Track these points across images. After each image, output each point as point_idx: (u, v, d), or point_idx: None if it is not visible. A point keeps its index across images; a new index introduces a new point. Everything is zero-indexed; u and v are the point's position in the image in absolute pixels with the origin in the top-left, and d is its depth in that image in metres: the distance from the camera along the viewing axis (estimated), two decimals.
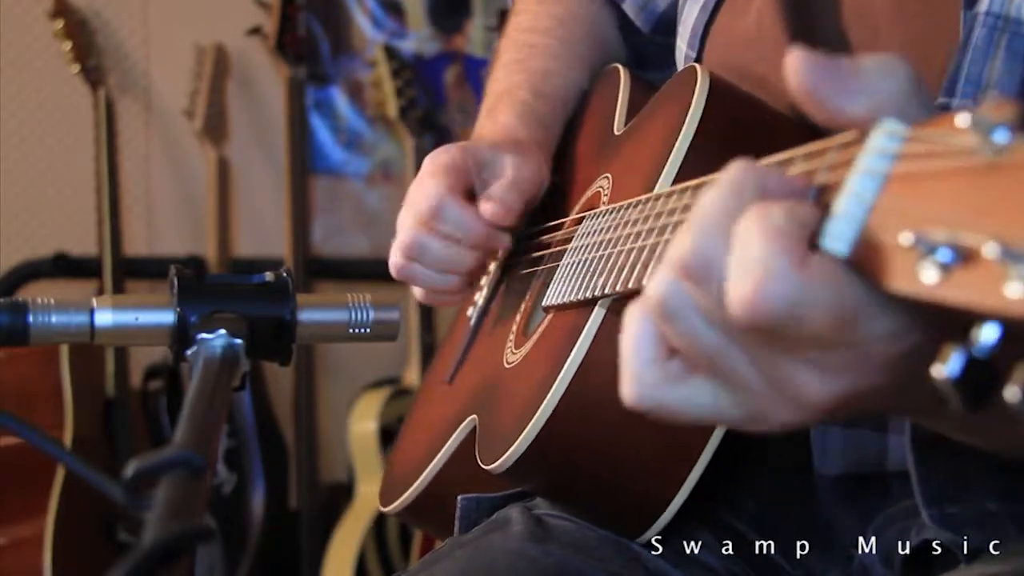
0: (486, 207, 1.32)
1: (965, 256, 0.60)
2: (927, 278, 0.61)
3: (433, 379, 1.51)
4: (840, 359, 0.70)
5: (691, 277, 0.71)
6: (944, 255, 0.60)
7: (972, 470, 1.00)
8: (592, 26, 1.50)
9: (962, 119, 0.62)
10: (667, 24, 1.45)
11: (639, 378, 0.74)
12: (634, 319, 0.74)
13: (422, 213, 1.32)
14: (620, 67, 1.41)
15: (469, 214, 1.32)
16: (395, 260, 1.35)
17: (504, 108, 1.43)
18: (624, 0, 1.48)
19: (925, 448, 1.00)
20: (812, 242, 0.68)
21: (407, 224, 1.34)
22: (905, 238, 0.62)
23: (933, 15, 1.06)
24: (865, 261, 0.66)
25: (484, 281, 1.45)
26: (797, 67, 0.70)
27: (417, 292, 1.39)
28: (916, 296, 0.62)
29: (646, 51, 1.48)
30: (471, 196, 1.34)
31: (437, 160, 1.34)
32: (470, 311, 1.45)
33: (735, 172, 0.71)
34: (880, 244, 0.65)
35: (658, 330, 0.74)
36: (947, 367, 0.61)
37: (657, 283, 0.72)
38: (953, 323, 0.62)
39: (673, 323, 0.72)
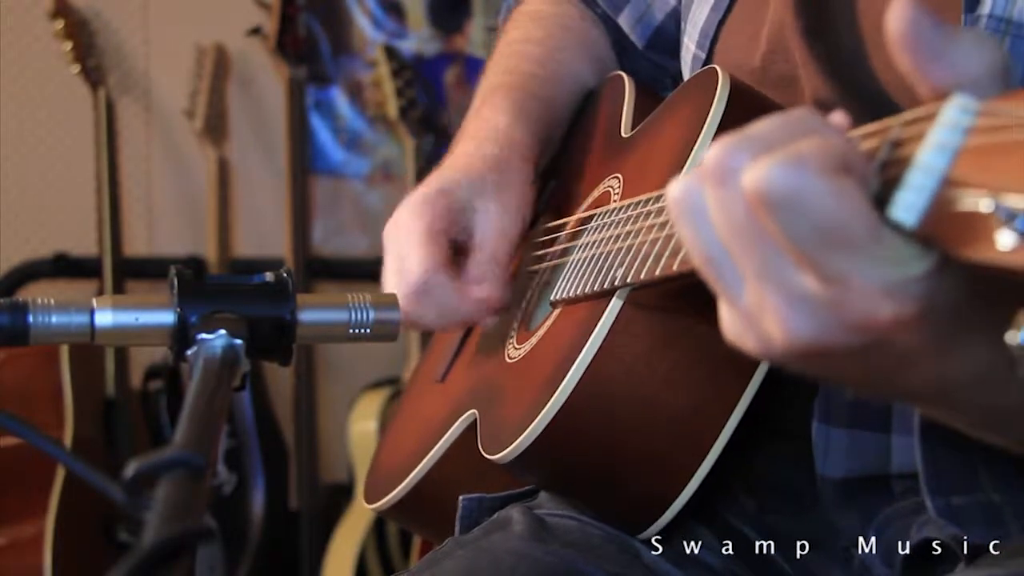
0: (475, 291, 1.29)
1: None
2: (1004, 244, 0.62)
3: (422, 379, 1.50)
4: (816, 295, 0.73)
5: (710, 179, 0.76)
6: (1023, 223, 0.62)
7: (978, 461, 1.01)
8: (584, 38, 1.50)
9: None
10: (661, 40, 1.45)
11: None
12: None
13: (410, 285, 1.27)
14: (624, 74, 1.41)
15: (456, 297, 1.28)
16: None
17: (492, 105, 1.39)
18: (620, 13, 1.48)
19: (933, 440, 1.01)
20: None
21: (401, 290, 1.29)
22: (985, 205, 0.64)
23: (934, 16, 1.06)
24: (934, 231, 0.67)
25: None
26: (903, 15, 0.71)
27: None
28: (991, 263, 0.63)
29: (638, 70, 1.48)
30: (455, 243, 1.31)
31: (418, 226, 1.28)
32: None
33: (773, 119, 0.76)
34: (951, 214, 0.66)
35: None
36: (1023, 333, 0.64)
37: (678, 185, 0.79)
38: (1007, 294, 0.64)
39: (685, 223, 0.79)
